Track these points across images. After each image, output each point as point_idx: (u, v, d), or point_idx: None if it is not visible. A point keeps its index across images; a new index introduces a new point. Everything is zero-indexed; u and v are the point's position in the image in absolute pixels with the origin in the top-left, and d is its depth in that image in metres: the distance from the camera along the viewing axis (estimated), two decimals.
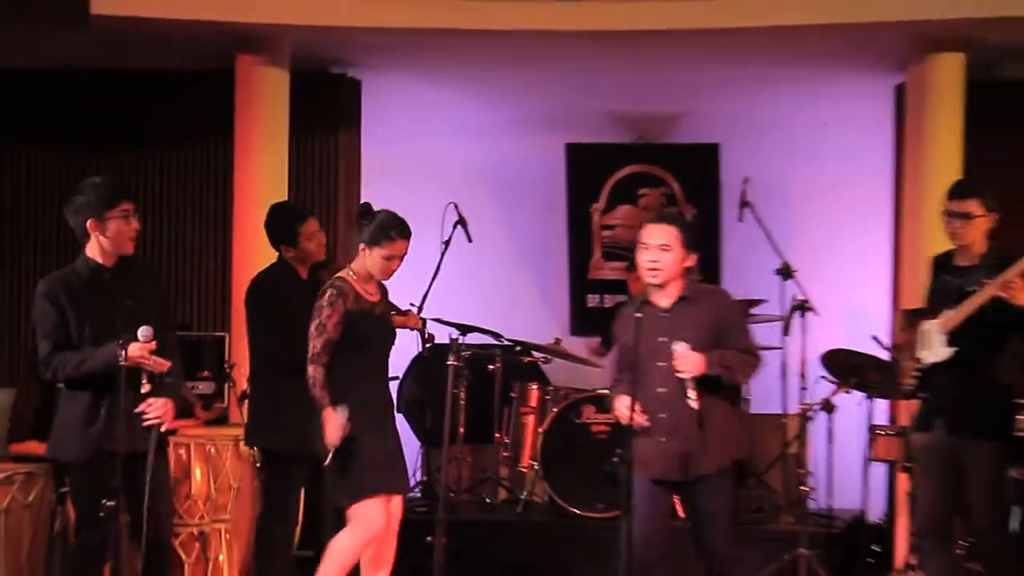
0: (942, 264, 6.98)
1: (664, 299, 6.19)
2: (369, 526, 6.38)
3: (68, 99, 10.26)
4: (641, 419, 6.03)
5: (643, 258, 6.17)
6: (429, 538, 6.68)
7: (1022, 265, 6.47)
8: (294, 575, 7.37)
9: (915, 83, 9.56)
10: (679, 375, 6.03)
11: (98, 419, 6.06)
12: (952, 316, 6.64)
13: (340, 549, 6.43)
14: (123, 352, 5.92)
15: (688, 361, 6.02)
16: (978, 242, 6.78)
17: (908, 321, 6.98)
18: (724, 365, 6.11)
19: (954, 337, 6.64)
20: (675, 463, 6.11)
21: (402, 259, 6.53)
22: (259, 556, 7.34)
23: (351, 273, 6.50)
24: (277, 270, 7.45)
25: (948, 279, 6.82)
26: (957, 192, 6.88)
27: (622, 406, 6.11)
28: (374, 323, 6.48)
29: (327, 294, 6.40)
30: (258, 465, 7.67)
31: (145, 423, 6.08)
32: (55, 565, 7.02)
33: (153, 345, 5.97)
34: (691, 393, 6.01)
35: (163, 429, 6.15)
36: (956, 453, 6.67)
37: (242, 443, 7.74)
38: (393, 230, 6.45)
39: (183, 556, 7.36)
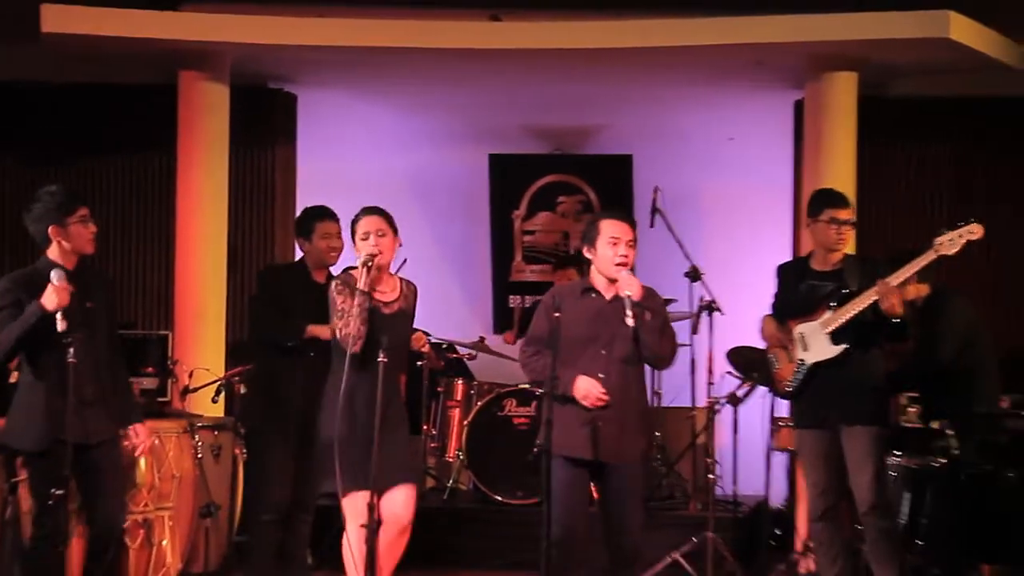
0: (799, 270, 6.97)
1: (608, 291, 6.14)
2: (353, 517, 6.14)
3: (20, 112, 10.12)
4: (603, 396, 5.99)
5: (615, 252, 6.05)
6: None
7: (915, 266, 6.53)
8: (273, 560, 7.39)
9: (812, 99, 9.62)
10: (625, 295, 5.93)
11: (56, 411, 5.99)
12: (834, 317, 6.66)
13: (345, 547, 6.25)
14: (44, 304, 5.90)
15: (632, 281, 5.97)
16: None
17: (779, 326, 7.00)
18: (654, 311, 6.09)
19: (837, 336, 6.69)
20: (613, 445, 6.03)
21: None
22: (248, 542, 7.51)
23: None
24: (289, 263, 7.52)
25: (816, 284, 6.82)
26: (842, 201, 6.89)
27: (588, 386, 5.99)
28: (375, 321, 6.12)
29: (332, 285, 6.21)
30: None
31: (137, 454, 6.55)
32: (6, 552, 6.94)
33: (66, 284, 5.94)
34: (628, 312, 5.92)
35: (139, 454, 6.57)
36: (843, 443, 6.71)
37: (185, 434, 7.73)
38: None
39: (128, 542, 7.28)
